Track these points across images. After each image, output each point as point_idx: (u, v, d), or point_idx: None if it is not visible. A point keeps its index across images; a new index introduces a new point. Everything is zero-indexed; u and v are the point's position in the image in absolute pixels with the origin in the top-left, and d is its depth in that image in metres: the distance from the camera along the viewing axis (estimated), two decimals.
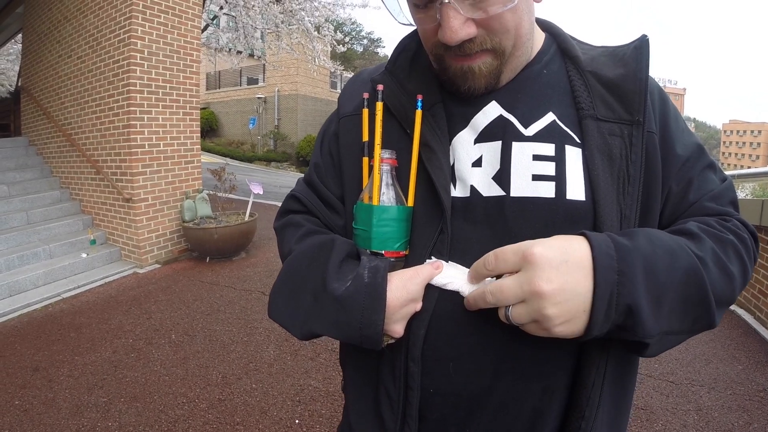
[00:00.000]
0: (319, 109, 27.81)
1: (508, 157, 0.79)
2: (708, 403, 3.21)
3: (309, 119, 27.08)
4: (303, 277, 0.82)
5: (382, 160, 0.82)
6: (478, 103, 0.84)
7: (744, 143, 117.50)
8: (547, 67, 0.86)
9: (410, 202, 0.82)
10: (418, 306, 0.76)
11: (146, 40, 6.01)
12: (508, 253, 0.66)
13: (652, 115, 0.82)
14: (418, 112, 0.83)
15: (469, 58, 0.76)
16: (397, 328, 0.75)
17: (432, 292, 0.77)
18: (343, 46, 13.12)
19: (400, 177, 0.84)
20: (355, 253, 0.83)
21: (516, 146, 0.79)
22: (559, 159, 0.77)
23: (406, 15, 0.79)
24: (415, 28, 0.84)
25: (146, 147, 6.22)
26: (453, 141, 0.84)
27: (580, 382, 0.75)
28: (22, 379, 3.57)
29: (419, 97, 0.84)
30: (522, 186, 0.77)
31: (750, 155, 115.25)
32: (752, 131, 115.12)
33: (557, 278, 0.61)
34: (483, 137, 0.82)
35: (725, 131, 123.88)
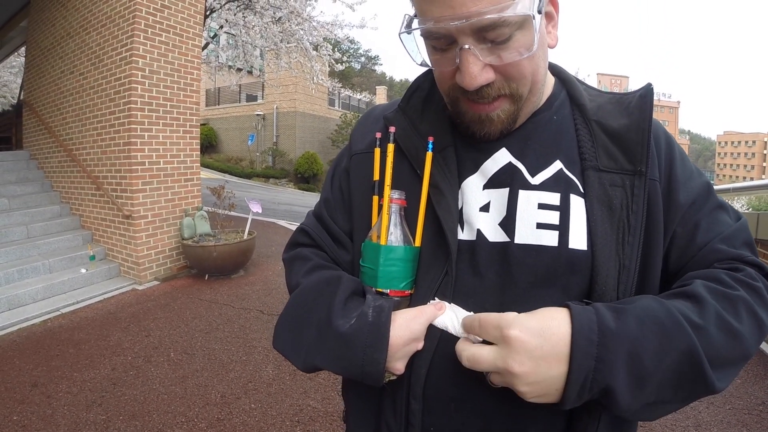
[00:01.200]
0: (318, 126, 28.08)
1: (515, 205, 0.80)
2: (707, 418, 3.21)
3: (307, 136, 27.33)
4: (308, 311, 0.84)
5: (391, 200, 0.84)
6: (488, 149, 0.85)
7: (739, 154, 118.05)
8: (558, 113, 0.87)
9: (417, 243, 0.84)
10: (420, 345, 0.78)
11: (148, 59, 6.07)
12: (489, 326, 0.68)
13: (656, 162, 0.83)
14: (429, 154, 0.85)
15: (487, 105, 0.77)
16: (398, 365, 0.77)
17: (435, 332, 0.79)
18: (341, 64, 13.23)
19: (408, 217, 0.86)
20: (360, 290, 0.85)
21: (522, 194, 0.81)
22: (564, 208, 0.79)
23: (423, 56, 0.79)
24: (430, 68, 0.84)
25: (146, 164, 6.25)
26: (462, 185, 0.85)
27: (573, 428, 0.77)
28: (20, 395, 3.55)
29: (430, 139, 0.86)
30: (526, 234, 0.79)
31: (745, 165, 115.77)
32: (747, 142, 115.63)
33: (529, 362, 0.63)
34: (491, 183, 0.84)
35: (720, 142, 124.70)
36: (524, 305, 0.72)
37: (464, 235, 0.83)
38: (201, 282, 6.55)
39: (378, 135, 0.92)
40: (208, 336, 4.69)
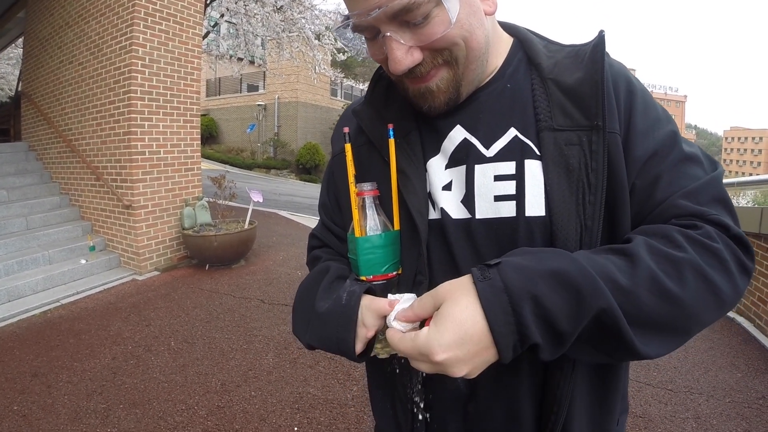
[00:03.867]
0: (319, 116, 27.90)
1: (472, 180, 0.82)
2: (706, 410, 3.21)
3: (309, 127, 27.16)
4: (304, 298, 0.94)
5: (359, 193, 0.88)
6: (445, 128, 0.87)
7: (745, 150, 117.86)
8: (511, 80, 0.86)
9: (396, 226, 0.87)
10: (369, 333, 0.82)
11: (147, 47, 6.04)
12: (416, 354, 0.68)
13: (615, 113, 0.79)
14: (391, 141, 0.87)
15: (422, 78, 0.79)
16: (357, 346, 0.82)
17: None
18: (344, 54, 13.17)
19: (385, 203, 0.89)
20: (345, 275, 0.92)
21: (478, 169, 0.82)
22: (520, 176, 0.79)
23: (365, 49, 0.83)
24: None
25: (146, 154, 6.24)
26: (427, 166, 0.88)
27: (549, 381, 0.79)
28: (21, 385, 3.57)
29: (390, 127, 0.87)
30: (485, 208, 0.80)
31: (751, 162, 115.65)
32: (753, 138, 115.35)
33: (465, 366, 0.65)
34: (452, 162, 0.85)
35: (726, 138, 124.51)
36: None
37: (434, 214, 0.85)
38: (201, 272, 6.55)
39: (346, 130, 0.94)
40: (208, 325, 4.69)
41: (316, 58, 12.25)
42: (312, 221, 10.61)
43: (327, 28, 11.93)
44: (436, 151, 0.87)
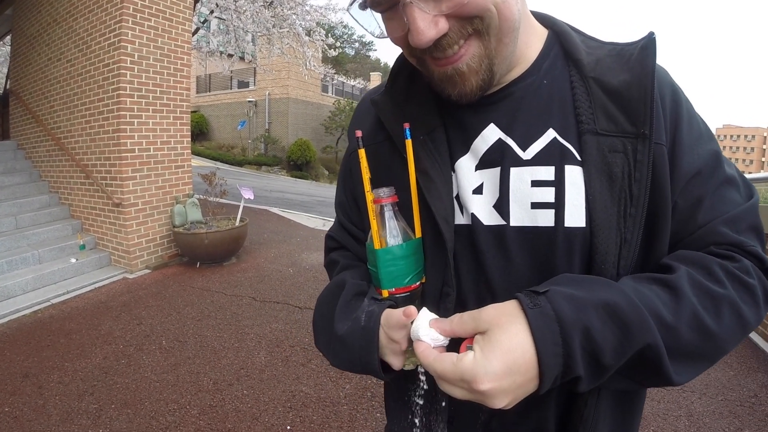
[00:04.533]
0: (310, 113, 27.94)
1: (507, 185, 0.76)
2: (699, 408, 3.23)
3: (300, 123, 27.17)
4: (324, 314, 0.90)
5: (377, 201, 0.81)
6: (477, 126, 0.80)
7: (738, 148, 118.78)
8: (548, 76, 0.80)
9: (418, 233, 0.81)
10: (402, 346, 0.77)
11: (137, 44, 6.01)
12: (454, 379, 0.62)
13: (662, 122, 0.75)
14: (408, 142, 0.80)
15: (451, 59, 0.70)
16: (393, 361, 0.78)
17: None
18: (335, 50, 13.14)
19: (405, 208, 0.83)
20: (362, 291, 0.86)
21: (514, 172, 0.76)
22: (559, 182, 0.73)
23: (382, 28, 0.73)
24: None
25: (136, 151, 6.22)
26: (455, 167, 0.81)
27: (575, 401, 0.77)
28: (11, 386, 3.55)
29: (406, 126, 0.80)
30: (521, 215, 0.75)
31: (744, 160, 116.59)
32: (746, 136, 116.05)
33: (507, 398, 0.61)
34: (483, 164, 0.79)
35: (719, 136, 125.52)
36: (526, 288, 0.68)
37: (462, 219, 0.79)
38: (193, 270, 6.54)
39: (359, 134, 0.86)
40: (200, 323, 4.69)
41: (307, 54, 12.20)
42: (303, 218, 10.64)
43: (318, 23, 11.91)
44: (464, 150, 0.81)
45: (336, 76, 23.36)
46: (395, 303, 0.81)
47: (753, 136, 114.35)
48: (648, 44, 0.75)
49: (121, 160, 6.05)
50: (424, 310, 0.72)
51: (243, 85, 29.13)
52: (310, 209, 12.73)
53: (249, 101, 27.01)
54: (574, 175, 0.73)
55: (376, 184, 0.84)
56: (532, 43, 0.81)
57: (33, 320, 4.83)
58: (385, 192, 0.80)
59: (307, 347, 4.19)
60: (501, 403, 0.61)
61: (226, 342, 4.29)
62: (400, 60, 0.89)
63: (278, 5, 10.65)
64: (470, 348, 0.63)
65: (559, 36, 0.84)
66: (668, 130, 0.75)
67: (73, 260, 6.10)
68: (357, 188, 0.93)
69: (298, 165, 25.53)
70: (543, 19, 0.87)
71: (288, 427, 3.08)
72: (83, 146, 6.53)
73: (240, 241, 6.99)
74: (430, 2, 0.65)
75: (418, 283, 0.81)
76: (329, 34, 13.20)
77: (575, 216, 0.72)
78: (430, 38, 0.65)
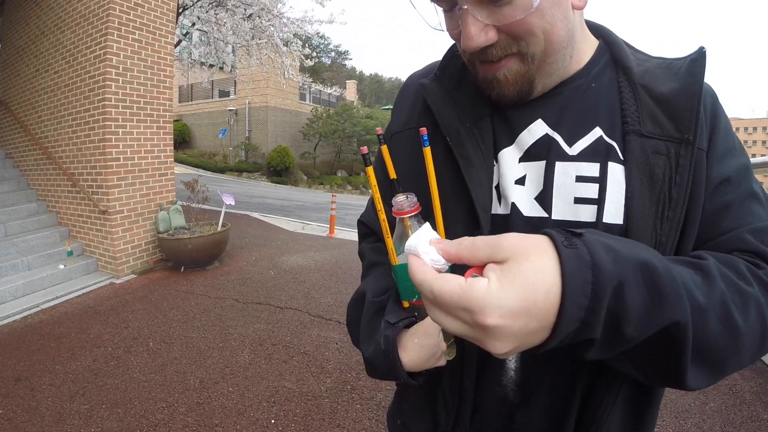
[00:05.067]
0: (289, 120, 28.34)
1: (551, 178, 0.76)
2: (685, 404, 3.31)
3: (279, 130, 27.57)
4: (353, 322, 0.93)
5: (397, 213, 0.71)
6: (524, 120, 0.81)
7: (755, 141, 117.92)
8: (597, 80, 0.81)
9: (442, 234, 0.73)
10: (441, 351, 0.79)
11: (121, 56, 6.12)
12: (455, 307, 0.51)
13: (704, 130, 0.75)
14: (426, 150, 0.74)
15: (493, 65, 0.74)
16: (434, 368, 0.81)
17: None
18: (311, 59, 13.32)
19: (428, 205, 0.76)
20: (382, 307, 0.87)
21: (559, 167, 0.76)
22: (603, 179, 0.74)
23: (441, 20, 0.76)
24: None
25: (121, 160, 6.32)
26: (498, 157, 0.81)
27: (591, 399, 0.75)
28: (4, 389, 3.60)
29: (423, 132, 0.73)
30: (563, 209, 0.75)
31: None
32: (746, 128, 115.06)
33: (512, 344, 0.51)
34: (528, 156, 0.79)
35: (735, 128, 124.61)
36: None
37: (500, 209, 0.78)
38: (177, 274, 6.63)
39: (379, 131, 0.86)
40: (185, 325, 4.79)
41: (285, 64, 12.34)
42: (283, 222, 10.75)
43: (294, 35, 12.05)
44: (509, 142, 0.81)
45: (313, 85, 23.63)
46: (415, 316, 0.82)
47: (754, 128, 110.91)
48: (698, 57, 0.77)
49: (107, 169, 6.16)
50: (427, 224, 0.60)
51: (224, 94, 29.30)
52: (290, 213, 12.83)
53: (230, 110, 27.30)
54: (615, 173, 0.74)
55: (408, 171, 0.86)
56: (584, 50, 0.83)
57: (23, 325, 4.89)
58: (405, 203, 0.70)
59: (288, 345, 4.30)
60: (502, 347, 0.51)
61: (211, 342, 4.38)
62: (453, 49, 0.91)
63: (257, 18, 10.78)
64: (476, 276, 0.52)
65: (611, 46, 0.86)
66: (705, 137, 0.76)
67: (62, 266, 6.18)
68: (398, 169, 0.83)
69: (278, 171, 25.76)
70: (595, 29, 0.88)
71: (272, 421, 3.17)
72: (70, 155, 6.61)
73: (222, 245, 7.10)
74: (484, 11, 0.68)
75: None
76: (306, 45, 13.35)
77: (614, 213, 0.72)
78: (478, 45, 0.69)
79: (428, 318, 0.76)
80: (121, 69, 6.14)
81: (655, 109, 0.75)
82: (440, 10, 0.75)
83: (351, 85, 44.14)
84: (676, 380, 0.59)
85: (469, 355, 0.80)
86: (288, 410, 3.31)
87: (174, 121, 7.12)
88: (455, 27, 0.73)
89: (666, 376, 0.61)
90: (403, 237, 0.71)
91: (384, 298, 0.87)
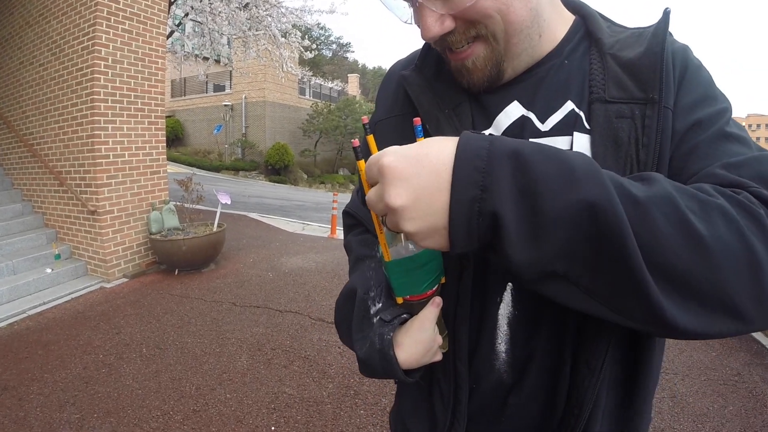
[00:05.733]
0: (288, 116, 27.69)
1: None
2: (682, 389, 3.34)
3: (277, 127, 26.90)
4: (341, 326, 0.92)
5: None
6: (500, 103, 0.83)
7: (760, 138, 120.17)
8: (570, 57, 0.82)
9: None
10: (438, 344, 0.81)
11: (110, 48, 5.94)
12: (371, 163, 0.60)
13: (672, 87, 0.74)
14: (420, 141, 0.71)
15: (460, 53, 0.77)
16: (429, 363, 0.81)
17: (465, 298, 0.81)
18: (311, 52, 13.11)
19: None
20: (374, 303, 0.86)
21: None
22: (571, 150, 0.74)
23: (411, 14, 0.79)
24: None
25: (111, 157, 6.15)
26: None
27: (574, 380, 0.75)
28: None
29: (417, 123, 0.72)
30: None
31: None
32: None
33: (407, 194, 0.55)
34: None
35: (744, 126, 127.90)
36: None
37: None
38: (171, 277, 6.49)
39: (365, 120, 0.81)
40: (180, 330, 4.67)
41: (283, 56, 12.15)
42: (282, 222, 10.65)
43: (293, 25, 11.87)
44: (487, 124, 0.83)
45: (313, 79, 23.30)
46: (409, 311, 0.82)
47: None
48: (662, 19, 0.77)
49: (96, 167, 5.98)
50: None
51: (219, 88, 28.63)
52: (289, 213, 12.73)
53: (225, 105, 26.62)
54: (582, 143, 0.74)
55: None
56: (556, 29, 0.84)
57: (9, 333, 4.75)
58: None
59: (288, 350, 4.20)
60: (397, 194, 0.55)
61: (207, 347, 4.28)
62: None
63: (253, 7, 10.60)
64: None
65: (585, 19, 0.87)
66: (672, 93, 0.74)
67: (49, 270, 6.01)
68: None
69: (277, 169, 25.31)
70: (572, 5, 0.89)
71: (272, 428, 3.10)
72: (57, 152, 6.43)
73: (218, 246, 6.96)
74: (438, 2, 0.71)
75: (431, 291, 0.79)
76: (305, 36, 13.18)
77: None
78: (435, 34, 0.73)
79: (422, 312, 0.79)
80: (110, 61, 5.96)
81: (621, 74, 0.75)
82: (407, 5, 0.78)
83: (353, 79, 43.76)
84: (649, 308, 0.51)
85: (459, 339, 0.82)
86: (288, 417, 3.24)
87: (166, 117, 6.96)
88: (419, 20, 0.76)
89: (641, 307, 0.52)
90: (384, 240, 0.74)
91: (375, 295, 0.86)
